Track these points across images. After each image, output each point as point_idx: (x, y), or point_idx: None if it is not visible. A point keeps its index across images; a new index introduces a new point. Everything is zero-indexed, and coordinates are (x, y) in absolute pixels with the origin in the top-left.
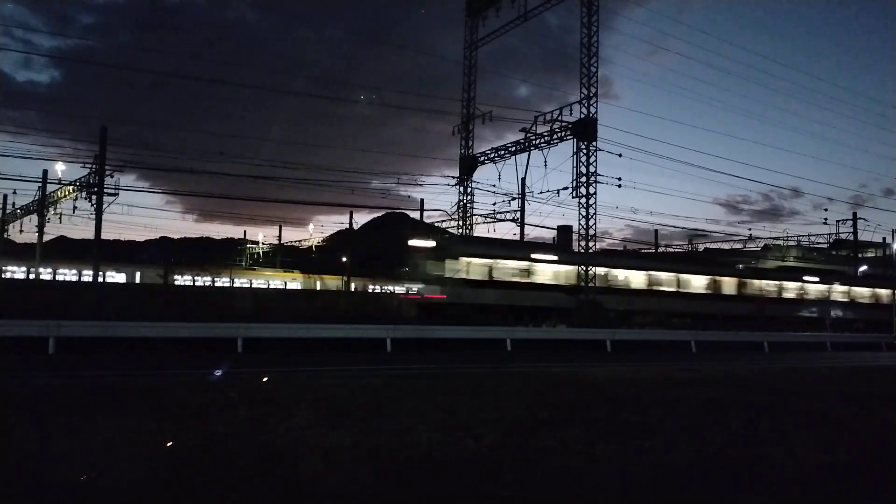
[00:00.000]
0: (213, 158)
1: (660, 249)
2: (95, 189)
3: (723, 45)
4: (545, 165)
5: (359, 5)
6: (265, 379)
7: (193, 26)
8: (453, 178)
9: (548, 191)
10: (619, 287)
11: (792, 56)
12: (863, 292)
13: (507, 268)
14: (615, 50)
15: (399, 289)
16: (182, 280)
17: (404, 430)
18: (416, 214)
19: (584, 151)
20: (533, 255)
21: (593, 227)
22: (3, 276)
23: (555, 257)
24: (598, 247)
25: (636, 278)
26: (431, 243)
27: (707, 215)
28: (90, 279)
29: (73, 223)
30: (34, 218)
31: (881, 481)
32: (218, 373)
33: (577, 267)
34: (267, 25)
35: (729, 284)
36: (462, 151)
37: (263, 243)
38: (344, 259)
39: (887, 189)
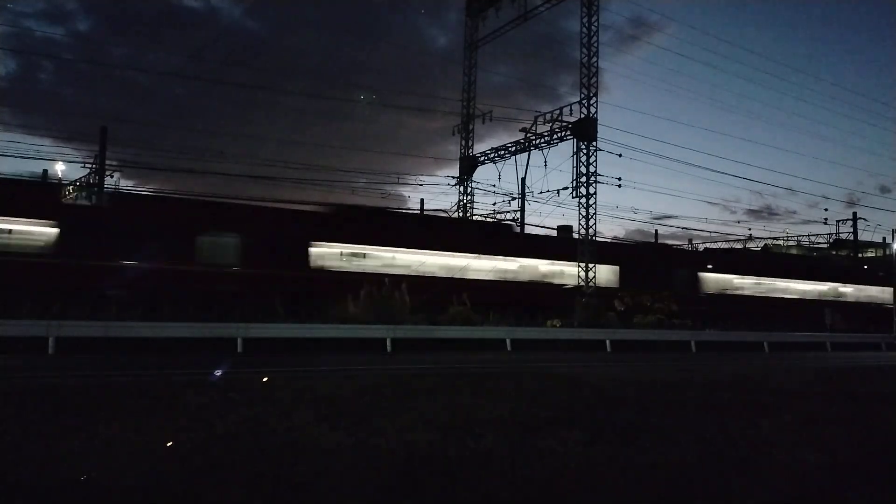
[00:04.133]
0: (212, 158)
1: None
2: (96, 189)
3: (717, 42)
4: (545, 165)
5: (357, 4)
6: (265, 379)
7: (191, 26)
8: (453, 178)
9: (548, 191)
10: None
11: (787, 53)
12: None
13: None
14: (608, 47)
15: None
16: None
17: (404, 429)
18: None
19: (584, 151)
20: None
21: (593, 226)
22: None
23: None
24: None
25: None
26: None
27: (706, 215)
28: None
29: None
30: None
31: (881, 481)
32: (218, 373)
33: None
34: (264, 25)
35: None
36: (462, 151)
37: None
38: None
39: (882, 186)
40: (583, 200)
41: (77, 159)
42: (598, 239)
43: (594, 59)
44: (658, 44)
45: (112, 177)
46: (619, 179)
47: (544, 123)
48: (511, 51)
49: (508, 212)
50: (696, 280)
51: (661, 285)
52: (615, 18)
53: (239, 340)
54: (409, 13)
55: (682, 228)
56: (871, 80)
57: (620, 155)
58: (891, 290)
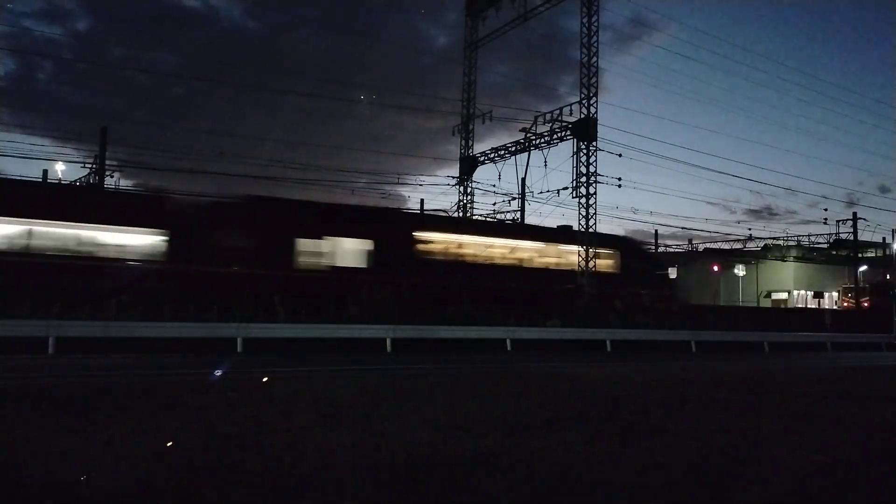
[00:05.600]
0: (212, 158)
1: (660, 249)
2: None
3: (717, 42)
4: (545, 165)
5: (357, 4)
6: (265, 379)
7: (192, 26)
8: (453, 178)
9: (548, 191)
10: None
11: (788, 53)
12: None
13: None
14: (608, 47)
15: None
16: None
17: (404, 430)
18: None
19: (584, 151)
20: None
21: (593, 226)
22: None
23: None
24: None
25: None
26: None
27: (706, 215)
28: None
29: None
30: None
31: (881, 481)
32: (218, 373)
33: None
34: (263, 25)
35: None
36: (462, 151)
37: None
38: None
39: (882, 186)
40: (583, 200)
41: (77, 159)
42: None
43: (594, 59)
44: (658, 43)
45: (112, 177)
46: (619, 179)
47: (544, 123)
48: (511, 51)
49: (508, 212)
50: None
51: None
52: (615, 18)
53: (239, 340)
54: (409, 13)
55: (682, 228)
56: (871, 80)
57: (620, 155)
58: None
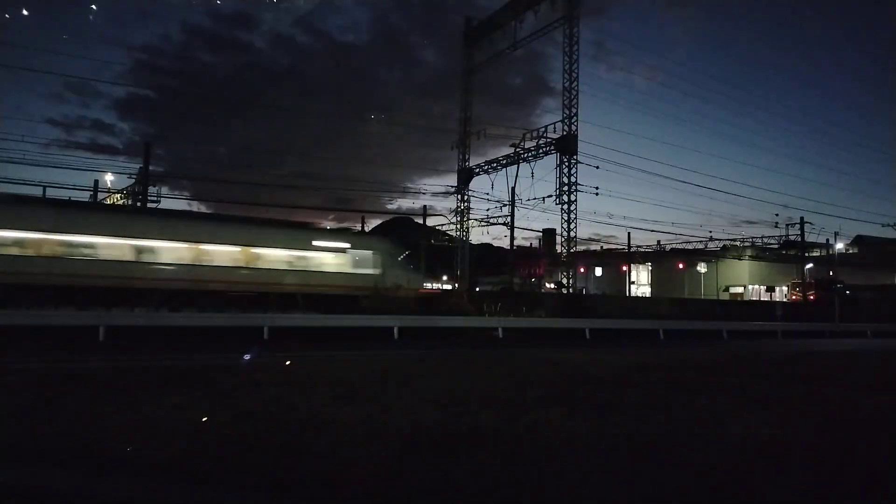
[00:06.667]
0: (240, 169)
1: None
2: (140, 197)
3: (669, 67)
4: (532, 176)
5: (363, 18)
6: (288, 363)
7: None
8: (452, 186)
9: (534, 198)
10: None
11: (758, 70)
12: None
13: None
14: (588, 62)
15: None
16: None
17: (410, 407)
18: (419, 219)
19: (566, 164)
20: None
21: (574, 229)
22: None
23: None
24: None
25: None
26: None
27: (673, 220)
28: None
29: None
30: None
31: (821, 448)
32: (247, 357)
33: None
34: (282, 49)
35: None
36: (460, 164)
37: None
38: None
39: (829, 192)
40: (565, 207)
41: (124, 171)
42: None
43: (574, 83)
44: (628, 69)
45: (155, 186)
46: (597, 188)
47: (531, 139)
48: (502, 74)
49: (501, 216)
50: None
51: None
52: (595, 38)
53: (265, 329)
54: (413, 40)
55: (651, 231)
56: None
57: (598, 167)
58: None
